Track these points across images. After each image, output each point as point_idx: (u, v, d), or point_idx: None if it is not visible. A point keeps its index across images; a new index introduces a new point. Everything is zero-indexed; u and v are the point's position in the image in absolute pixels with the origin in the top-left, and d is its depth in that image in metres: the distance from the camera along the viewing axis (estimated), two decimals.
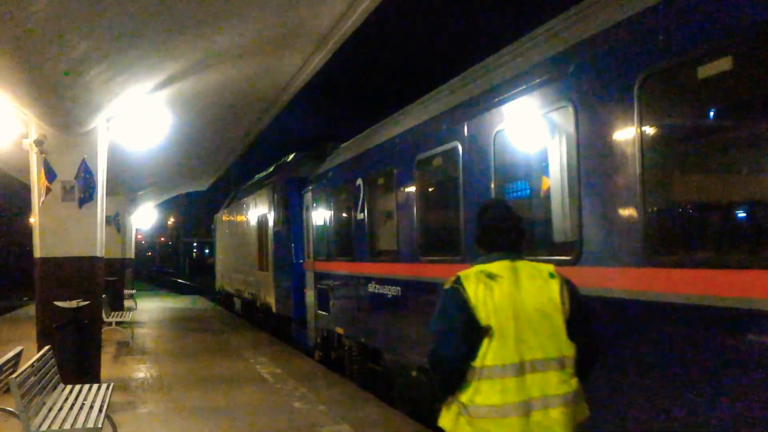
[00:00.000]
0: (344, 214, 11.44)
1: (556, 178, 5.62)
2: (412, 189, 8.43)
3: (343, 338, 11.74)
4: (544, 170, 5.87)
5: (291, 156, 17.62)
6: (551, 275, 3.50)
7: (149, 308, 26.31)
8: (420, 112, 8.58)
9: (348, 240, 11.09)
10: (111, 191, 12.67)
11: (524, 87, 5.89)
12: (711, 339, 3.95)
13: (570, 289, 3.50)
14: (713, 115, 4.32)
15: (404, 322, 8.74)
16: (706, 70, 3.99)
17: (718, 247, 4.19)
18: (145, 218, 31.27)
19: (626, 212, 4.67)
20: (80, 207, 9.87)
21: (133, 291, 24.98)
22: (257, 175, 22.52)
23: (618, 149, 4.72)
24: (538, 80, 5.69)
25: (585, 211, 5.06)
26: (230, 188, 30.68)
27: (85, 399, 6.99)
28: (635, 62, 4.53)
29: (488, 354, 3.30)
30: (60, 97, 8.73)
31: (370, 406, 9.39)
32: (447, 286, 3.51)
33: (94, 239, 10.04)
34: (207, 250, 71.39)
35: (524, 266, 3.52)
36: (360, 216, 10.35)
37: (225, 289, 27.33)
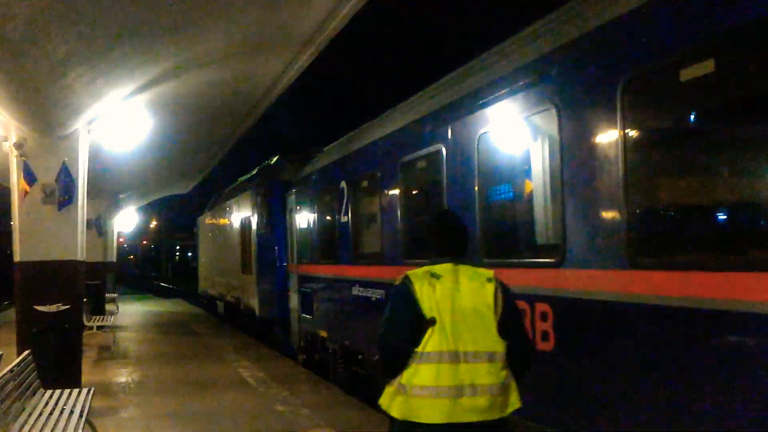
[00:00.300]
0: (328, 217, 11.41)
1: (539, 181, 5.64)
2: (395, 192, 8.43)
3: (327, 341, 11.71)
4: (528, 173, 5.88)
5: (274, 159, 17.56)
6: (489, 279, 3.90)
7: (131, 312, 26.10)
8: (404, 115, 8.58)
9: (332, 243, 11.06)
10: (92, 194, 12.57)
11: (508, 90, 5.90)
12: (693, 340, 3.97)
13: (504, 293, 3.90)
14: (695, 118, 4.35)
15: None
16: (688, 73, 4.02)
17: (699, 250, 4.21)
18: (127, 221, 31.02)
19: (609, 215, 4.69)
20: (60, 210, 9.77)
21: (115, 295, 24.77)
22: (240, 178, 22.43)
23: (601, 152, 4.74)
24: (521, 83, 5.71)
25: (568, 213, 5.08)
26: (213, 191, 30.53)
27: (65, 404, 6.92)
28: (618, 65, 4.55)
29: (429, 342, 3.70)
30: (40, 100, 8.64)
31: (353, 409, 9.36)
32: (397, 282, 3.98)
33: (74, 243, 9.94)
34: (190, 254, 71.02)
35: (465, 269, 3.93)
36: (344, 219, 10.33)
37: (208, 293, 27.18)
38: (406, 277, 3.93)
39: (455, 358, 3.67)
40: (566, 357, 5.11)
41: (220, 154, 18.78)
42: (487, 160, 6.36)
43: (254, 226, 17.51)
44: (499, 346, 3.76)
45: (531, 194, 5.84)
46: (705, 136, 4.32)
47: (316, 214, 12.15)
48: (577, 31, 5.09)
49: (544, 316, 5.32)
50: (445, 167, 7.02)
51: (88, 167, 10.49)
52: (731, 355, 3.72)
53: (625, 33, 4.57)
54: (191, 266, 46.44)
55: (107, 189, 19.55)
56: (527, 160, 5.88)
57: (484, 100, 6.31)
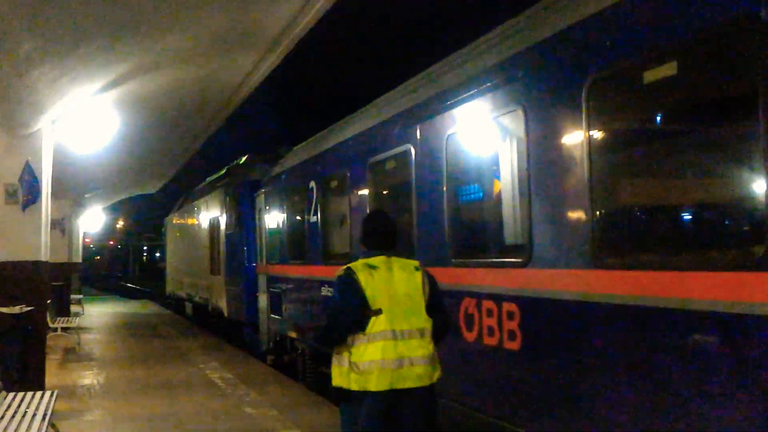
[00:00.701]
0: (297, 217, 11.38)
1: (507, 182, 5.68)
2: (365, 192, 8.43)
3: (296, 342, 11.67)
4: (496, 173, 5.92)
5: (243, 158, 17.46)
6: (416, 268, 4.64)
7: (97, 313, 25.74)
8: (373, 115, 8.58)
9: (301, 243, 11.02)
10: (57, 194, 12.37)
11: (476, 90, 5.94)
12: (656, 338, 4.03)
13: (430, 279, 4.66)
14: (659, 120, 4.42)
15: None
16: (651, 75, 4.07)
17: (663, 250, 4.28)
18: (93, 222, 30.58)
19: (574, 215, 4.75)
20: (24, 210, 9.60)
21: (80, 296, 24.41)
22: (209, 178, 22.25)
23: (566, 153, 4.79)
24: (489, 84, 5.75)
25: (535, 214, 5.13)
26: (181, 191, 30.23)
27: (27, 407, 6.78)
28: (583, 67, 4.60)
29: (375, 325, 4.38)
30: (2, 98, 8.48)
31: (322, 410, 9.34)
32: (341, 273, 4.59)
33: (38, 243, 9.78)
34: (157, 254, 70.26)
35: (396, 261, 4.64)
36: (313, 219, 10.30)
37: (176, 294, 26.92)
38: (349, 269, 4.57)
39: (394, 336, 4.39)
40: (533, 356, 5.15)
41: (189, 153, 18.59)
42: (456, 161, 6.39)
43: (223, 227, 17.39)
44: (428, 324, 4.51)
45: (499, 195, 5.88)
46: (668, 137, 4.39)
47: (285, 214, 12.11)
48: (544, 33, 5.14)
49: (510, 316, 5.36)
50: (413, 168, 7.04)
51: (53, 166, 10.32)
52: (694, 353, 3.78)
53: (590, 35, 4.62)
54: (159, 267, 45.95)
55: (72, 188, 19.23)
56: (495, 161, 5.92)
57: (452, 101, 6.34)
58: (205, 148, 18.71)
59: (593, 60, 4.53)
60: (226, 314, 17.24)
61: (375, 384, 4.34)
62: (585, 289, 4.56)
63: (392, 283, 4.49)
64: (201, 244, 20.57)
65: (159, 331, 19.84)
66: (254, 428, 8.37)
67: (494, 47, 5.90)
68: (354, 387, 4.41)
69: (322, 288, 9.83)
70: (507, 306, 5.41)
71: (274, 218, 12.84)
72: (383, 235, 4.77)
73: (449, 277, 6.31)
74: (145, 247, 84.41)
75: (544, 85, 5.06)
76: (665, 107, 4.29)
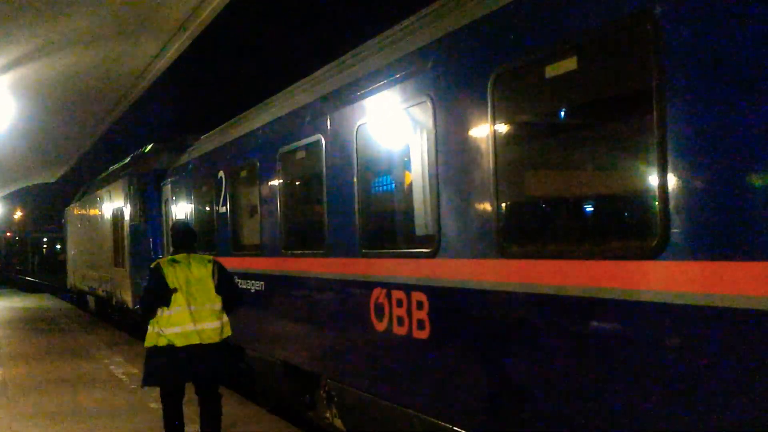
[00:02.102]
0: (206, 208, 11.14)
1: (416, 173, 5.73)
2: (275, 182, 8.33)
3: None
4: (406, 165, 5.97)
5: (148, 147, 16.91)
6: (209, 261, 6.57)
7: None
8: (283, 104, 8.48)
9: (210, 234, 10.80)
10: None
11: (385, 81, 5.95)
12: (560, 326, 4.17)
13: (219, 268, 6.56)
14: (561, 114, 4.55)
15: (268, 317, 8.63)
16: (553, 70, 4.19)
17: (565, 240, 4.42)
18: None
19: (480, 206, 4.83)
20: None
21: None
22: (112, 167, 21.48)
23: (473, 145, 4.87)
24: (398, 75, 5.77)
25: (443, 205, 5.19)
26: (83, 180, 29.08)
27: None
28: (489, 60, 4.68)
29: (174, 301, 6.25)
30: None
31: (230, 403, 9.19)
32: (152, 266, 6.51)
33: None
34: (58, 246, 67.45)
35: (194, 257, 6.53)
36: (222, 209, 10.11)
37: (78, 287, 25.89)
38: (158, 263, 6.49)
39: (189, 309, 6.27)
40: (441, 345, 5.23)
41: (91, 141, 17.93)
42: (366, 152, 6.39)
43: (127, 217, 16.81)
44: (217, 300, 6.44)
45: (408, 186, 5.93)
46: (570, 131, 4.53)
47: (193, 205, 11.84)
48: (452, 25, 5.20)
49: (419, 305, 5.42)
50: (324, 158, 7.01)
51: None
52: (595, 339, 3.93)
53: (496, 28, 4.71)
54: (60, 259, 44.15)
55: None
56: (405, 152, 5.97)
57: (362, 91, 6.33)
58: (109, 136, 18.07)
59: (498, 53, 4.62)
60: (131, 307, 16.71)
61: (177, 342, 6.23)
62: (491, 278, 4.66)
63: (190, 272, 6.39)
64: (104, 235, 19.85)
65: (60, 326, 19.07)
66: (159, 424, 8.16)
67: (404, 38, 5.93)
68: (162, 343, 6.26)
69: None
70: (416, 296, 5.47)
71: (181, 209, 12.53)
72: (184, 239, 6.66)
73: (359, 267, 6.33)
74: (45, 239, 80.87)
75: (452, 77, 5.12)
76: (567, 101, 4.42)
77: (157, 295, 6.30)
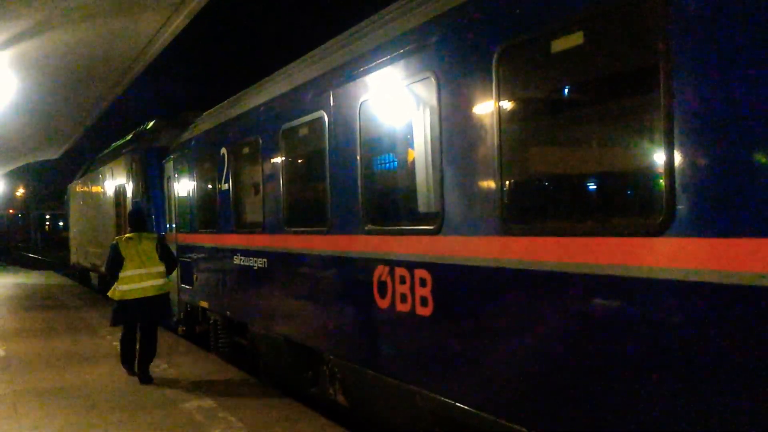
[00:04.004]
0: (208, 185, 11.12)
1: (420, 150, 5.70)
2: (277, 159, 8.30)
3: (208, 312, 11.49)
4: (409, 141, 5.93)
5: (150, 123, 16.86)
6: (154, 239, 9.32)
7: None
8: (286, 80, 8.42)
9: (212, 211, 10.80)
10: None
11: (389, 57, 5.90)
12: (564, 304, 4.16)
13: (161, 243, 9.33)
14: (566, 89, 4.50)
15: (270, 294, 8.65)
16: (559, 45, 4.14)
17: (570, 217, 4.40)
18: None
19: (485, 183, 4.80)
20: None
21: None
22: (114, 144, 21.43)
23: (477, 121, 4.83)
24: (402, 50, 5.72)
25: (446, 182, 5.16)
26: (85, 157, 29.02)
27: None
28: (493, 34, 4.63)
29: (127, 267, 8.94)
30: None
31: (234, 379, 9.26)
32: (113, 243, 9.17)
33: None
34: (61, 223, 67.56)
35: (144, 235, 9.23)
36: (224, 187, 10.10)
37: (80, 264, 25.95)
38: (116, 241, 9.21)
39: (139, 272, 8.99)
40: (444, 322, 5.23)
41: (93, 117, 17.85)
42: (369, 128, 6.36)
43: (129, 194, 16.82)
44: (160, 265, 9.15)
45: (412, 163, 5.90)
46: (576, 107, 4.49)
47: (195, 182, 11.81)
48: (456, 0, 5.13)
49: (423, 282, 5.41)
50: (327, 135, 6.97)
51: None
52: (601, 317, 3.92)
53: (501, 2, 4.65)
54: (63, 236, 44.21)
55: None
56: (409, 129, 5.93)
57: (366, 67, 6.28)
58: (111, 112, 17.99)
59: (503, 28, 4.56)
60: None
61: (128, 296, 9.01)
62: (495, 256, 4.65)
63: (139, 246, 9.08)
64: (107, 212, 19.86)
65: (63, 302, 19.15)
66: (164, 399, 8.23)
67: (408, 12, 5.86)
68: (118, 297, 9.04)
69: (235, 257, 9.68)
70: (419, 273, 5.46)
71: (183, 186, 12.51)
72: (136, 222, 9.40)
73: (362, 244, 6.33)
74: (47, 216, 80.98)
75: (456, 52, 5.07)
76: (573, 77, 4.37)
77: (115, 262, 8.99)
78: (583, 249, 3.96)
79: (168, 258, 9.33)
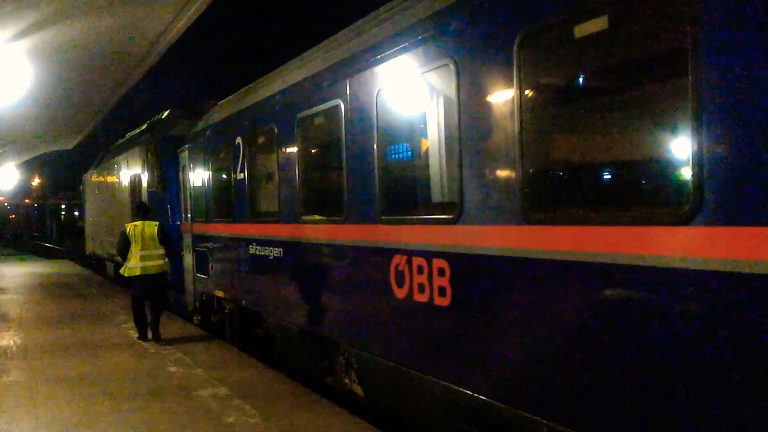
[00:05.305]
0: (223, 174, 11.11)
1: (438, 138, 5.63)
2: (293, 148, 8.26)
3: (223, 302, 11.50)
4: (427, 130, 5.86)
5: (165, 113, 16.86)
6: (156, 225, 11.09)
7: (13, 274, 24.80)
8: (302, 69, 8.37)
9: (227, 201, 10.79)
10: None
11: (407, 44, 5.83)
12: (586, 294, 4.10)
13: (161, 229, 11.12)
14: (589, 76, 4.42)
15: (286, 283, 8.63)
16: (582, 30, 4.05)
17: (593, 206, 4.32)
18: (8, 179, 29.23)
19: (505, 172, 4.74)
20: None
21: None
22: (129, 133, 21.47)
23: (498, 109, 4.76)
24: (420, 37, 5.65)
25: (465, 171, 5.10)
26: (100, 147, 29.13)
27: None
28: (514, 20, 4.55)
29: (132, 249, 10.91)
30: None
31: (249, 368, 9.27)
32: (123, 229, 11.22)
33: None
34: (76, 212, 68.00)
35: (147, 222, 11.09)
36: (240, 176, 10.07)
37: (96, 253, 26.09)
38: (125, 227, 11.15)
39: (142, 254, 10.86)
40: (463, 312, 5.18)
41: (108, 106, 17.86)
42: (387, 116, 6.30)
43: (144, 184, 16.85)
44: (160, 248, 11.00)
45: (430, 151, 5.83)
46: (599, 93, 4.40)
47: (210, 171, 11.80)
48: None
49: (441, 272, 5.36)
50: (343, 123, 6.92)
51: None
52: (626, 308, 3.85)
53: None
54: (78, 226, 44.47)
55: None
56: (426, 117, 5.86)
57: (383, 55, 6.22)
58: (126, 102, 18.01)
59: (525, 13, 4.48)
60: None
61: (135, 272, 10.90)
62: (515, 245, 4.59)
63: (143, 232, 10.91)
64: (122, 202, 19.93)
65: (79, 292, 19.26)
66: (178, 386, 8.24)
67: None
68: (128, 274, 10.98)
69: (251, 246, 9.67)
70: (437, 263, 5.41)
71: (198, 175, 12.51)
72: (139, 211, 11.47)
73: (379, 234, 6.28)
74: (63, 205, 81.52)
75: (475, 39, 4.99)
76: (596, 62, 4.29)
77: (124, 245, 10.96)
78: (606, 238, 3.89)
79: (167, 241, 11.17)
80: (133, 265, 10.88)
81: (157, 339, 11.08)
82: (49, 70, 11.79)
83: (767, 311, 3.09)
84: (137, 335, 11.30)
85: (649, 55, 3.88)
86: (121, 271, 11.13)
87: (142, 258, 10.83)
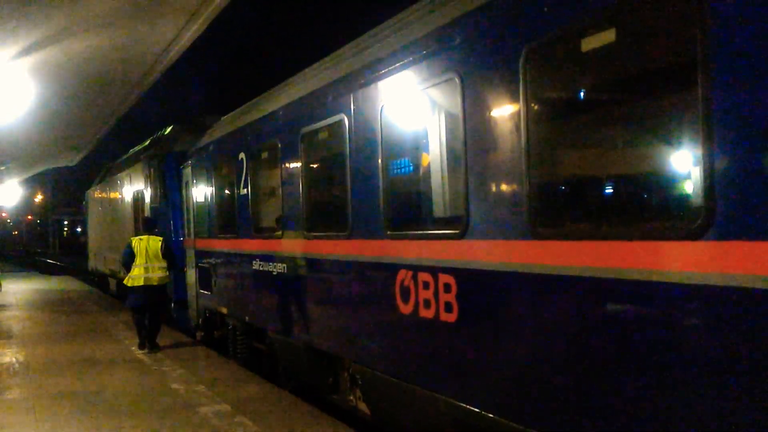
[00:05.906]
0: (226, 190, 11.08)
1: (444, 152, 5.60)
2: (297, 163, 8.23)
3: (227, 318, 11.44)
4: (433, 144, 5.83)
5: (168, 129, 16.86)
6: (160, 240, 11.93)
7: (15, 290, 24.73)
8: (305, 84, 8.36)
9: (231, 217, 10.75)
10: None
11: (412, 58, 5.81)
12: (594, 310, 4.04)
13: (165, 244, 11.94)
14: (597, 90, 4.39)
15: (290, 299, 8.57)
16: (589, 43, 4.03)
17: (601, 221, 4.28)
18: (10, 196, 29.25)
19: (511, 187, 4.70)
20: None
21: None
22: (132, 149, 21.48)
23: (504, 123, 4.73)
24: (425, 51, 5.62)
25: (471, 185, 5.06)
26: (103, 163, 29.14)
27: None
28: (520, 33, 4.52)
29: (137, 261, 11.70)
30: None
31: (252, 385, 9.19)
32: (128, 241, 12.22)
33: None
34: (79, 229, 68.06)
35: (151, 237, 11.93)
36: (243, 192, 10.04)
37: (99, 270, 26.06)
38: (130, 240, 12.11)
39: (145, 266, 11.66)
40: (470, 328, 5.12)
41: (110, 123, 17.88)
42: (392, 131, 6.27)
43: (147, 200, 16.82)
44: (163, 261, 11.80)
45: (435, 166, 5.80)
46: (607, 107, 4.37)
47: (213, 187, 11.78)
48: None
49: (447, 288, 5.31)
50: (348, 138, 6.89)
51: None
52: (635, 324, 3.80)
53: (527, 0, 4.54)
54: (80, 242, 44.47)
55: None
56: (432, 131, 5.83)
57: (387, 69, 6.19)
58: (128, 118, 18.03)
59: (531, 26, 4.46)
60: None
61: (137, 283, 11.61)
62: (522, 260, 4.54)
63: (148, 245, 11.67)
64: (124, 218, 19.92)
65: (81, 308, 19.19)
66: (180, 404, 8.17)
67: (432, 12, 5.76)
68: (130, 284, 11.65)
69: (254, 262, 9.62)
70: (443, 278, 5.36)
71: (201, 191, 12.48)
72: (146, 226, 12.39)
73: (384, 249, 6.23)
74: (65, 222, 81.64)
75: (481, 53, 4.97)
76: (604, 76, 4.25)
77: (129, 257, 11.70)
78: (616, 253, 3.84)
79: (170, 257, 11.97)
80: (136, 276, 11.66)
81: (154, 348, 11.77)
82: (51, 87, 11.81)
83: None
84: (138, 341, 11.98)
85: (658, 66, 3.85)
86: (125, 281, 11.92)
87: (146, 269, 11.65)
